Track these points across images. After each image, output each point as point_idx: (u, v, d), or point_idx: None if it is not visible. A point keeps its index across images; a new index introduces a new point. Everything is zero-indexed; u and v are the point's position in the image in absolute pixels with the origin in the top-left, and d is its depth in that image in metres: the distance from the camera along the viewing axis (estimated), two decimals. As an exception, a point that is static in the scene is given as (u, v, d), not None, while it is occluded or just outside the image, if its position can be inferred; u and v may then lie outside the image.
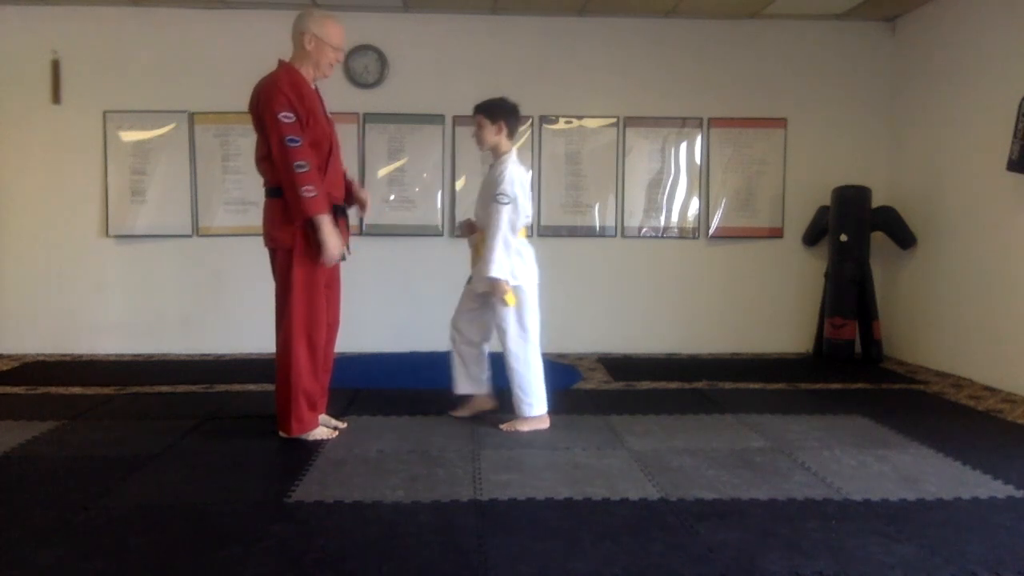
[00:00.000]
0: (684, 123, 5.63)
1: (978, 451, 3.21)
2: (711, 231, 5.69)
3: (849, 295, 5.27)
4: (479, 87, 5.49)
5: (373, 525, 2.42)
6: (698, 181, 5.67)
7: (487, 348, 3.67)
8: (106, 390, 4.30)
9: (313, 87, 3.29)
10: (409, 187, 5.55)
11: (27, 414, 3.74)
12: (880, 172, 5.63)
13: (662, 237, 5.69)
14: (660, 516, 2.50)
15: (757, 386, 4.53)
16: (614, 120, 5.61)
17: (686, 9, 5.36)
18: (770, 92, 5.63)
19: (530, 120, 5.54)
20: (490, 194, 3.43)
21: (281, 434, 3.30)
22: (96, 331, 5.47)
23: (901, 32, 5.55)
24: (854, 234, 5.25)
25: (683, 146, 5.65)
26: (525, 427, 3.49)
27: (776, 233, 5.72)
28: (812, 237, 5.63)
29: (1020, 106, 4.19)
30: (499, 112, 3.47)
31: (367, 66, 5.44)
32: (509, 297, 3.39)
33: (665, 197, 5.67)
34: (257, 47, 5.24)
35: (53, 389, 4.34)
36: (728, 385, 4.55)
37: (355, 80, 5.44)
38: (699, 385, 4.54)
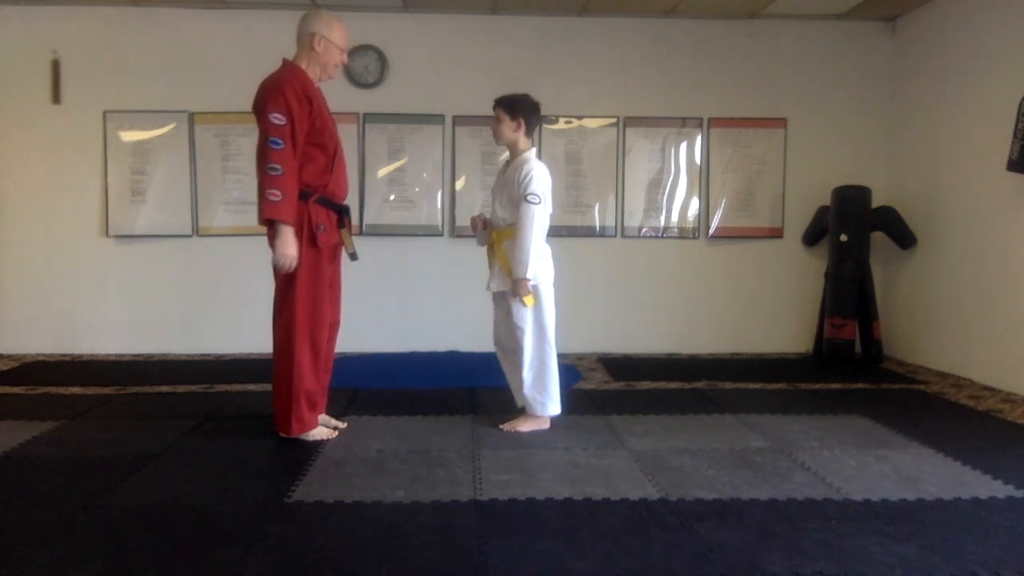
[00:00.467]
0: (684, 123, 5.63)
1: (978, 451, 3.21)
2: (711, 231, 5.69)
3: (849, 295, 5.26)
4: (479, 87, 5.51)
5: (373, 525, 2.42)
6: (698, 181, 5.67)
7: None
8: (106, 390, 4.30)
9: (317, 87, 3.30)
10: (409, 187, 5.55)
11: (27, 414, 3.74)
12: (880, 172, 5.63)
13: (662, 237, 5.69)
14: (660, 516, 2.50)
15: (757, 386, 4.53)
16: (614, 120, 5.61)
17: (686, 9, 5.36)
18: (770, 92, 5.63)
19: (530, 120, 5.54)
20: (511, 192, 3.40)
21: (281, 434, 3.30)
22: (96, 331, 5.47)
23: (901, 32, 5.55)
24: (854, 234, 5.25)
25: (683, 146, 5.65)
26: (525, 427, 3.48)
27: (776, 233, 5.72)
28: (812, 237, 5.63)
29: (1020, 106, 4.19)
30: (520, 108, 3.44)
31: (367, 66, 5.44)
32: (529, 299, 3.38)
33: (665, 197, 5.67)
34: (257, 47, 5.26)
35: (53, 389, 4.34)
36: (728, 385, 4.55)
37: (355, 80, 5.44)
38: (699, 385, 4.54)
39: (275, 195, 3.03)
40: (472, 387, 4.35)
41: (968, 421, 3.78)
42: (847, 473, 2.93)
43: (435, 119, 5.51)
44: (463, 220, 5.46)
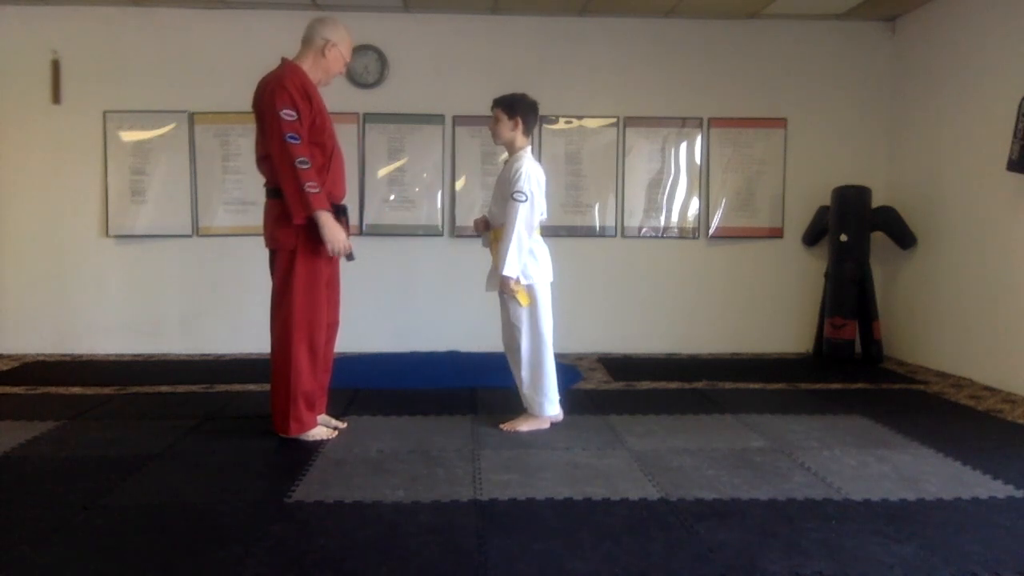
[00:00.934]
0: (684, 123, 5.63)
1: (978, 451, 3.21)
2: (711, 231, 5.69)
3: (849, 295, 5.26)
4: (479, 87, 5.51)
5: (373, 525, 2.42)
6: (698, 181, 5.68)
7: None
8: (106, 390, 4.30)
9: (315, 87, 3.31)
10: (409, 187, 5.55)
11: (27, 414, 3.74)
12: (880, 172, 5.63)
13: (662, 237, 5.69)
14: (660, 516, 2.50)
15: (757, 386, 4.53)
16: (614, 120, 5.61)
17: (686, 9, 5.36)
18: (770, 92, 5.63)
19: (530, 120, 5.54)
20: (506, 191, 3.41)
21: (279, 435, 3.30)
22: (96, 331, 5.47)
23: (901, 32, 5.55)
24: (854, 234, 5.25)
25: (683, 146, 5.65)
26: (525, 427, 3.48)
27: (776, 233, 5.72)
28: (812, 237, 5.63)
29: (1020, 106, 4.19)
30: (518, 107, 3.46)
31: (367, 66, 5.44)
32: (522, 296, 3.39)
33: (665, 197, 5.67)
34: (257, 47, 5.26)
35: (53, 389, 4.34)
36: (728, 385, 4.55)
37: (355, 80, 5.44)
38: (699, 385, 4.54)
39: (314, 187, 3.08)
40: (472, 387, 4.35)
41: (968, 421, 3.78)
42: (847, 473, 2.93)
43: (435, 119, 5.51)
44: (463, 220, 5.47)
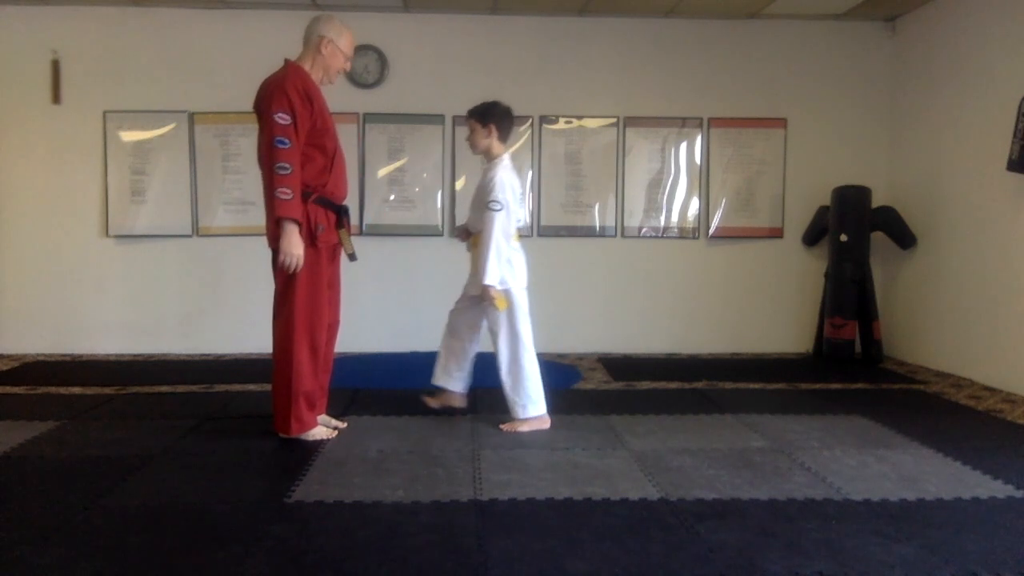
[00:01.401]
0: (684, 123, 5.63)
1: (978, 451, 3.21)
2: (711, 231, 5.69)
3: (849, 295, 5.26)
4: (479, 87, 5.50)
5: (373, 525, 2.42)
6: (698, 181, 5.68)
7: (473, 349, 3.72)
8: (106, 390, 4.30)
9: (318, 88, 3.31)
10: (409, 187, 5.55)
11: (27, 414, 3.74)
12: (880, 172, 5.63)
13: (662, 237, 5.69)
14: (660, 516, 2.50)
15: (757, 386, 4.53)
16: (614, 120, 5.61)
17: (686, 9, 5.36)
18: (770, 92, 5.63)
19: (530, 120, 5.54)
20: (483, 200, 3.45)
21: (280, 434, 3.30)
22: (96, 331, 5.47)
23: (901, 32, 5.55)
24: (854, 234, 5.25)
25: (683, 146, 5.65)
26: (525, 427, 3.49)
27: (776, 233, 5.72)
28: (812, 237, 5.63)
29: (1020, 106, 4.19)
30: (490, 115, 3.49)
31: (367, 66, 5.44)
32: (500, 302, 3.43)
33: (665, 197, 5.67)
34: (257, 47, 5.27)
35: (53, 389, 4.34)
36: (728, 385, 4.55)
37: (355, 80, 5.44)
38: (699, 385, 4.54)
39: (286, 193, 3.05)
40: (472, 387, 4.34)
41: (968, 421, 3.78)
42: (847, 473, 2.93)
43: (435, 119, 5.51)
44: (463, 220, 5.45)
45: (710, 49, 5.60)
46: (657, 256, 5.68)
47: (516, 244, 3.53)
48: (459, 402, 3.78)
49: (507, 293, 3.46)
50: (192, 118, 5.42)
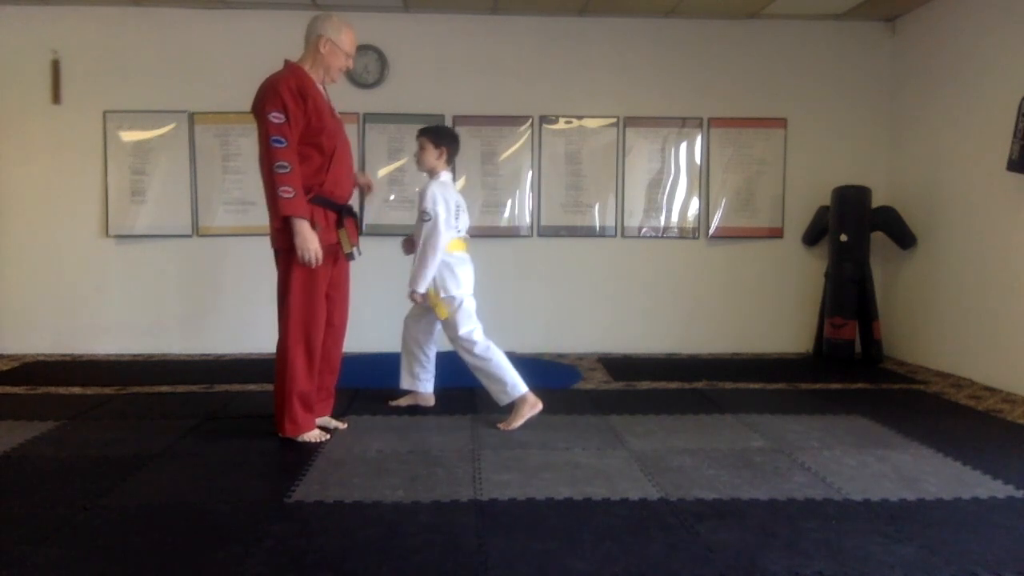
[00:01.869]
0: (684, 123, 5.63)
1: (978, 451, 3.21)
2: (711, 231, 5.69)
3: (849, 295, 5.26)
4: (479, 87, 5.53)
5: (373, 525, 2.42)
6: (698, 181, 5.68)
7: (432, 351, 3.87)
8: (106, 390, 4.30)
9: (321, 87, 3.30)
10: (409, 187, 5.55)
11: (27, 414, 3.74)
12: (880, 172, 5.63)
13: (662, 237, 5.69)
14: (660, 516, 2.50)
15: (757, 386, 4.53)
16: (614, 120, 5.61)
17: (686, 9, 5.36)
18: (770, 92, 5.63)
19: (530, 120, 5.55)
20: (418, 212, 3.63)
21: (279, 434, 3.31)
22: (96, 331, 5.47)
23: (901, 32, 5.55)
24: (854, 234, 5.25)
25: (683, 146, 5.65)
26: (519, 420, 3.52)
27: (776, 233, 5.72)
28: (812, 237, 5.63)
29: (1020, 106, 4.19)
30: (444, 138, 3.70)
31: (367, 66, 5.44)
32: (440, 310, 3.58)
33: (665, 197, 5.67)
34: (257, 47, 5.27)
35: (53, 389, 4.34)
36: (728, 385, 4.55)
37: (355, 80, 5.44)
38: (699, 385, 4.54)
39: (288, 192, 3.06)
40: (472, 387, 4.34)
41: (968, 421, 3.78)
42: (847, 473, 2.93)
43: (435, 119, 5.50)
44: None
45: (710, 49, 5.60)
46: (657, 256, 5.68)
47: (460, 253, 3.66)
48: (429, 401, 3.92)
49: (451, 300, 3.57)
50: (192, 118, 5.42)
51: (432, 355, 3.89)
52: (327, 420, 3.50)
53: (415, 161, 3.76)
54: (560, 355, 5.48)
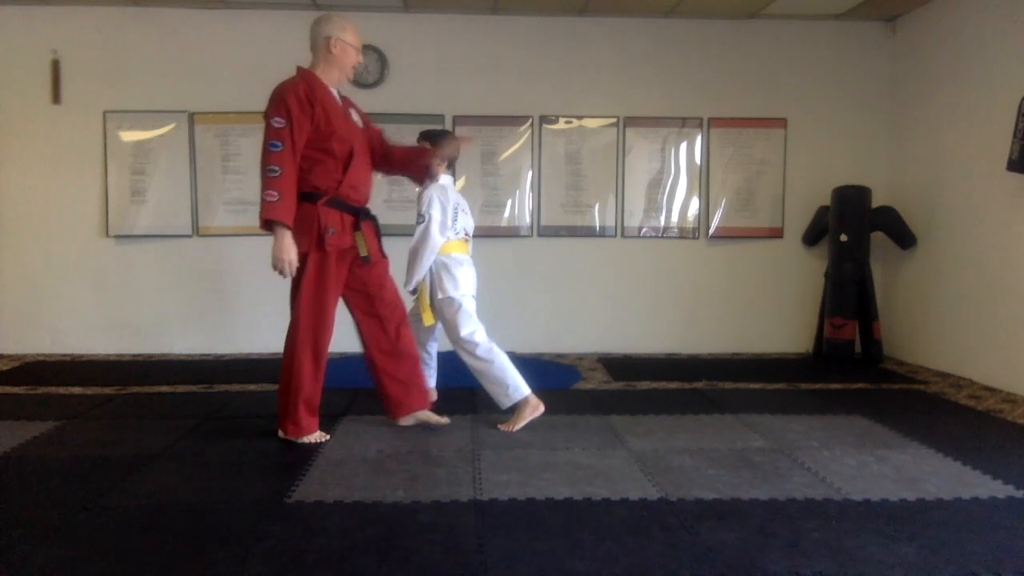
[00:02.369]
0: (684, 123, 5.63)
1: (978, 451, 3.21)
2: (711, 231, 5.69)
3: (849, 295, 5.27)
4: (479, 87, 5.53)
5: (373, 525, 2.42)
6: (698, 181, 5.68)
7: (433, 348, 3.87)
8: (106, 390, 4.30)
9: (335, 91, 3.30)
10: (409, 187, 5.54)
11: (27, 414, 3.74)
12: (880, 172, 5.63)
13: (662, 237, 5.69)
14: (660, 516, 2.50)
15: (757, 386, 4.53)
16: (614, 120, 5.61)
17: (686, 9, 5.36)
18: (770, 92, 5.63)
19: (530, 120, 5.55)
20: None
21: (280, 434, 3.31)
22: (96, 331, 5.47)
23: (901, 32, 5.55)
24: (854, 234, 5.25)
25: (683, 146, 5.65)
26: (521, 422, 3.51)
27: (776, 233, 5.72)
28: (812, 237, 5.63)
29: (1020, 106, 4.19)
30: (445, 143, 3.71)
31: (367, 66, 5.43)
32: (427, 316, 3.59)
33: (665, 197, 5.67)
34: (257, 47, 5.28)
35: (53, 389, 4.34)
36: (728, 385, 4.55)
37: (355, 80, 5.40)
38: (699, 385, 4.54)
39: (272, 196, 3.04)
40: (472, 387, 4.34)
41: (968, 421, 3.78)
42: (847, 473, 2.93)
43: (435, 119, 5.50)
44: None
45: (710, 49, 5.60)
46: (657, 256, 5.68)
47: (459, 255, 3.65)
48: (430, 397, 3.88)
49: (450, 301, 3.57)
50: (192, 118, 5.42)
51: (434, 353, 3.89)
52: (428, 415, 3.51)
53: None
54: (560, 355, 5.48)
